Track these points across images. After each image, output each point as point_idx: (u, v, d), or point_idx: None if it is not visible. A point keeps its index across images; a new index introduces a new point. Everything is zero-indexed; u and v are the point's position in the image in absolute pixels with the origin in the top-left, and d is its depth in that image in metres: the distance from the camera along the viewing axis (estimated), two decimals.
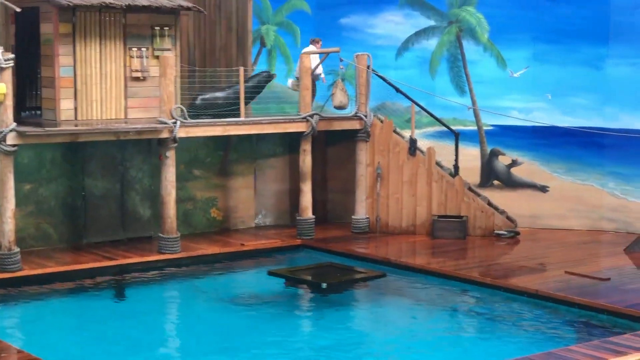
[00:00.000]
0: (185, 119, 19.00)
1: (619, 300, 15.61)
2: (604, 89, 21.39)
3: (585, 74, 21.48)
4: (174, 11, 19.66)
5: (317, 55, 21.27)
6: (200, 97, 20.31)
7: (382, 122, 21.38)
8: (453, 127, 21.64)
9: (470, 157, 22.07)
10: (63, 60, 18.72)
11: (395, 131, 21.39)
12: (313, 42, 21.56)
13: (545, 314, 15.83)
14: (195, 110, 19.83)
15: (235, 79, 20.37)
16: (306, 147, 20.70)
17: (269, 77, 21.00)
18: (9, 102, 17.44)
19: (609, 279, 17.01)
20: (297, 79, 21.22)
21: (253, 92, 20.73)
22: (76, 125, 18.48)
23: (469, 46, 22.17)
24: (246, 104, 20.33)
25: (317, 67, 21.13)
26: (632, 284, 16.67)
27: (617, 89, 21.24)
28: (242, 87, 19.99)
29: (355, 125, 21.34)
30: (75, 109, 19.22)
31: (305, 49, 21.44)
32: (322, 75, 21.70)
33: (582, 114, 21.57)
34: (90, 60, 19.17)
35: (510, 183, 22.12)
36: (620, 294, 16.03)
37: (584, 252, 19.35)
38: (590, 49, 21.40)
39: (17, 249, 17.60)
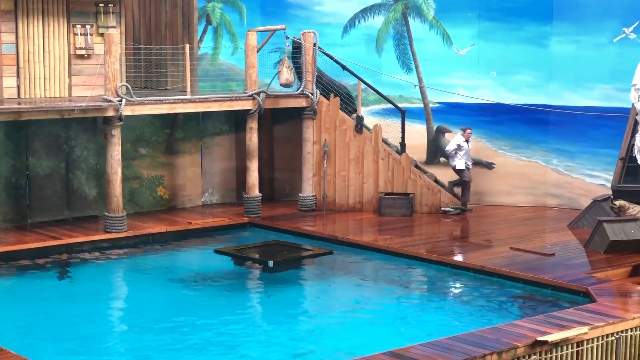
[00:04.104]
0: (131, 96, 18.83)
1: (563, 275, 15.82)
2: (547, 66, 21.58)
3: (530, 51, 21.64)
4: None
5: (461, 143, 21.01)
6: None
7: (328, 100, 21.38)
8: (399, 105, 21.70)
9: (417, 134, 22.17)
10: (5, 37, 18.48)
11: (341, 109, 21.41)
12: (463, 130, 21.04)
13: (491, 289, 15.98)
14: None
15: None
16: (253, 125, 20.64)
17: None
18: None
19: (553, 254, 17.22)
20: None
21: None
22: (19, 104, 18.24)
23: (415, 24, 22.22)
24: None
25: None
26: (575, 259, 16.89)
27: (561, 67, 21.44)
28: (187, 63, 19.84)
29: (301, 103, 21.31)
30: (18, 86, 19.04)
31: (454, 139, 21.19)
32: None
33: (527, 92, 21.75)
34: (33, 37, 18.95)
35: None
36: (564, 269, 16.24)
37: (528, 228, 19.55)
38: (535, 26, 21.56)
39: None
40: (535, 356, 12.31)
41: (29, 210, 19.51)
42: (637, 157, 19.22)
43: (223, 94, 20.90)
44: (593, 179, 21.26)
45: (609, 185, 19.99)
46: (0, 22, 18.39)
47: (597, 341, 12.90)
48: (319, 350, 13.46)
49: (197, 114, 21.26)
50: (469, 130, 21.11)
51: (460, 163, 21.02)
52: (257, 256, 17.79)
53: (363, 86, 21.42)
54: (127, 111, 18.81)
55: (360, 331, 14.34)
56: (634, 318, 13.34)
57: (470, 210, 20.93)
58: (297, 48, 21.37)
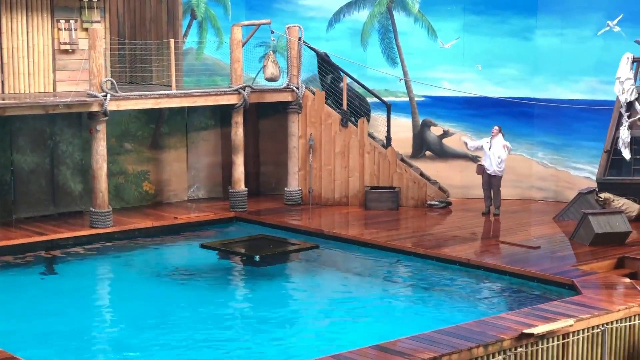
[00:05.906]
0: (115, 91, 18.77)
1: (549, 267, 15.86)
2: (532, 59, 21.62)
3: (515, 44, 21.68)
4: None
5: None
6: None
7: (313, 93, 21.38)
8: (385, 99, 21.71)
9: (402, 128, 22.18)
10: None
11: (326, 103, 21.41)
12: (498, 131, 19.98)
13: (477, 282, 16.02)
14: None
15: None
16: (238, 119, 20.62)
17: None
18: None
19: (538, 247, 17.26)
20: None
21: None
22: (3, 99, 18.16)
23: (400, 17, 22.22)
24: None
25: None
26: (561, 252, 16.94)
27: (546, 60, 21.48)
28: (172, 58, 19.79)
29: (287, 97, 21.29)
30: (2, 82, 18.96)
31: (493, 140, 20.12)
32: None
33: (512, 85, 21.78)
34: (17, 32, 18.87)
35: (442, 154, 22.29)
36: (550, 261, 16.28)
37: (514, 221, 19.60)
38: (519, 20, 21.60)
39: None
40: (521, 348, 12.34)
41: (14, 206, 19.45)
42: (622, 150, 19.30)
43: (208, 88, 20.86)
44: (578, 171, 21.31)
45: (594, 177, 20.05)
46: None
47: (583, 333, 12.95)
48: (305, 344, 13.46)
49: (182, 108, 21.22)
50: (493, 129, 20.03)
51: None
52: (243, 250, 17.79)
53: (349, 80, 21.41)
54: (112, 106, 18.76)
55: (346, 325, 14.35)
56: (619, 310, 13.40)
57: (496, 214, 20.07)
58: (324, 61, 21.42)
